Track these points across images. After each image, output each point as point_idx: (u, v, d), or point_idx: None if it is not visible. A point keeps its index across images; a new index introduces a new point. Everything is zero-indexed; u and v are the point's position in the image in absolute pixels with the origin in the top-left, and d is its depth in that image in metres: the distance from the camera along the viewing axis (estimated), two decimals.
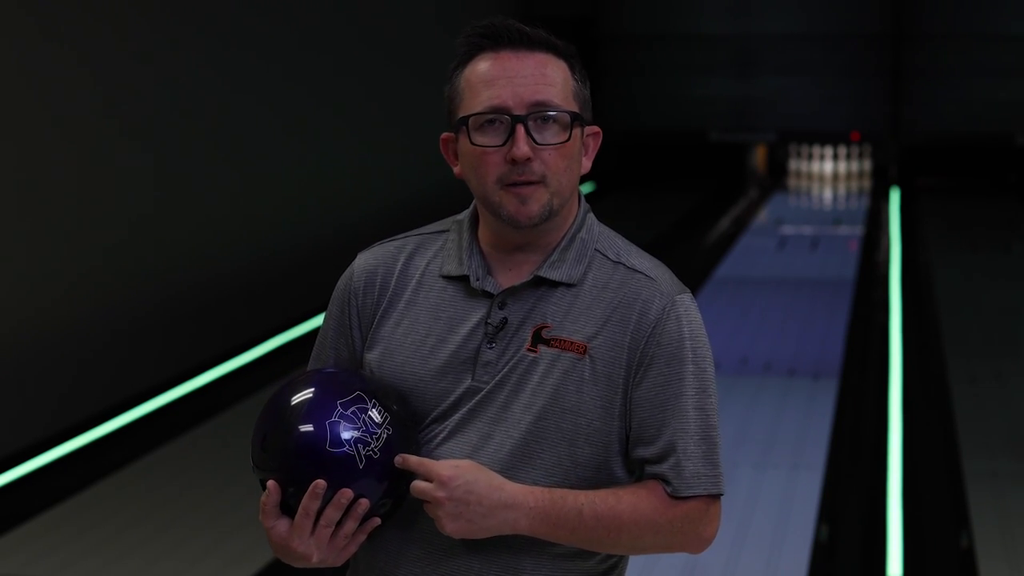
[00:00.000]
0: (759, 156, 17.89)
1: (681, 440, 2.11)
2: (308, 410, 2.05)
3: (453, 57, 2.18)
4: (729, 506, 6.00)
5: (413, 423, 2.14)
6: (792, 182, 17.67)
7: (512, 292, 2.15)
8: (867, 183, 17.31)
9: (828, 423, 7.19)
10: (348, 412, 2.05)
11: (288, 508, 2.07)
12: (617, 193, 16.28)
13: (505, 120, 2.10)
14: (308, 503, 2.03)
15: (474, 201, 2.22)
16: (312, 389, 2.08)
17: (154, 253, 7.99)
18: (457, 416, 2.14)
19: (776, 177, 17.74)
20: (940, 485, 6.40)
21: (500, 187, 2.11)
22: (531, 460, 2.11)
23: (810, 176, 17.74)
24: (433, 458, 2.11)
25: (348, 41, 10.81)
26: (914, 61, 16.60)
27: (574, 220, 2.20)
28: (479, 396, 2.13)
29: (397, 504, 2.11)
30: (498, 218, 2.14)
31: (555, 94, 2.11)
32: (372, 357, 2.20)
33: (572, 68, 2.16)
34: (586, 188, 16.30)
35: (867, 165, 17.59)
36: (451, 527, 2.04)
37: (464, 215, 2.24)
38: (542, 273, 2.15)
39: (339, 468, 2.03)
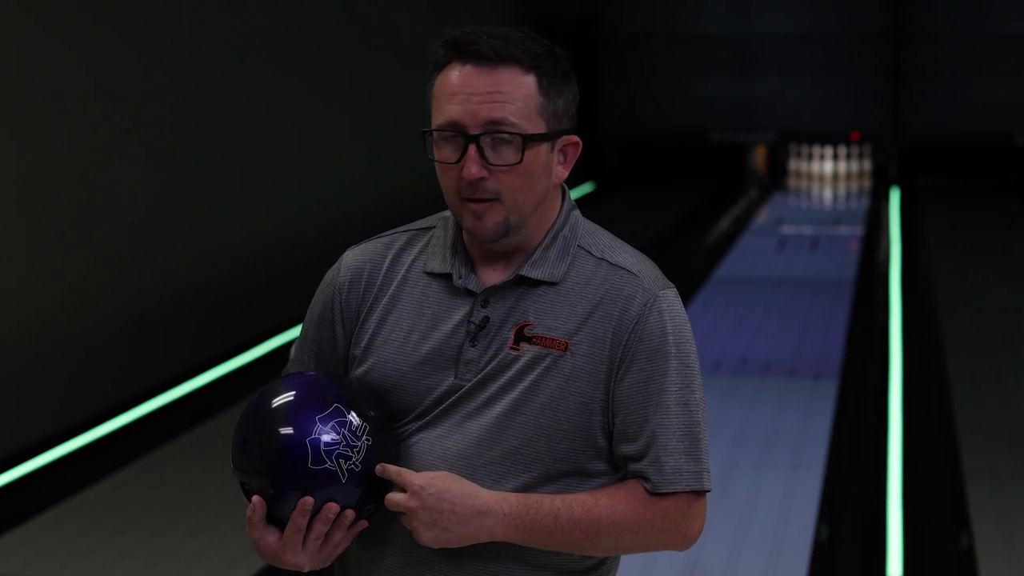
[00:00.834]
0: (759, 156, 17.90)
1: (662, 436, 2.11)
2: (289, 425, 2.07)
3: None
4: (729, 506, 6.01)
5: (391, 425, 2.16)
6: (792, 182, 17.68)
7: (494, 291, 2.16)
8: (867, 183, 17.31)
9: (828, 423, 7.19)
10: (327, 427, 2.07)
11: (272, 517, 2.10)
12: (617, 193, 16.28)
13: (459, 139, 2.10)
14: (297, 520, 2.06)
15: None
16: (291, 402, 2.10)
17: (154, 253, 7.99)
18: (438, 413, 2.15)
19: (776, 177, 17.75)
20: (940, 485, 6.40)
21: (459, 200, 2.13)
22: (511, 456, 2.12)
23: (810, 176, 17.75)
24: (413, 454, 2.14)
25: (349, 40, 10.81)
26: (914, 61, 16.60)
27: (556, 219, 2.20)
28: (460, 393, 2.14)
29: (381, 504, 2.13)
30: (463, 227, 2.16)
31: (512, 112, 2.09)
32: (357, 353, 2.21)
33: (540, 80, 2.12)
34: (586, 188, 16.31)
35: (867, 165, 17.59)
36: (426, 536, 2.06)
37: (450, 212, 2.24)
38: (523, 272, 2.16)
39: (322, 484, 2.06)
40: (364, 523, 2.11)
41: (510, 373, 2.13)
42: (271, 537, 2.10)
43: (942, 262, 11.99)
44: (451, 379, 2.14)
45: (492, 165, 2.09)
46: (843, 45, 16.71)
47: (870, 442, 6.95)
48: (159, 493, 6.29)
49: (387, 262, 2.23)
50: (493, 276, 2.18)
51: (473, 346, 2.14)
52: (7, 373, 6.68)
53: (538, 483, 2.12)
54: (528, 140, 2.10)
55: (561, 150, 2.17)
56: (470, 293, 2.17)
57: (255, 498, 2.09)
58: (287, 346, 8.79)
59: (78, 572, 5.39)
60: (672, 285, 2.19)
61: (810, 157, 17.83)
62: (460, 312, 2.16)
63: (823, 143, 17.63)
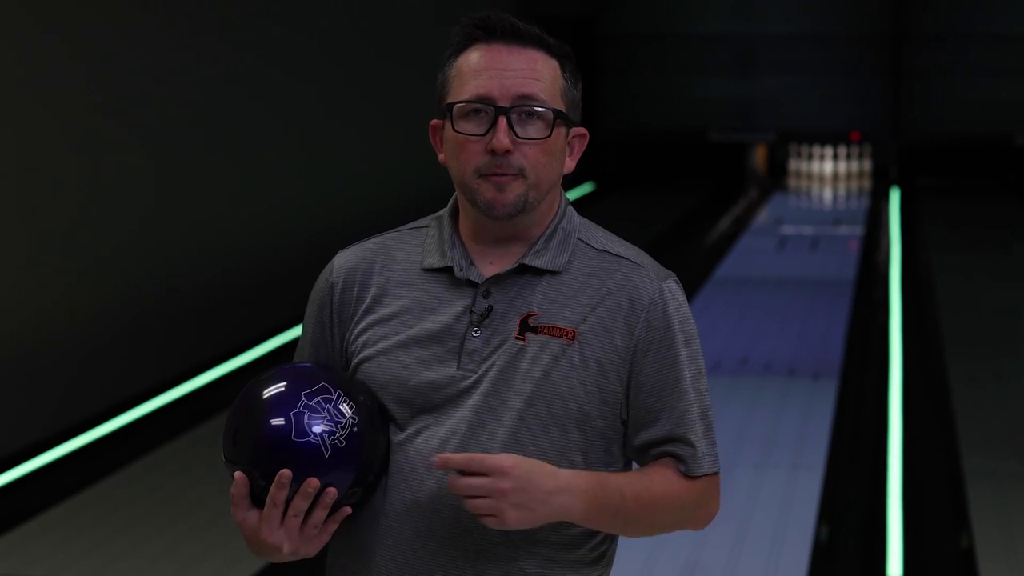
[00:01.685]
0: (759, 156, 17.90)
1: (689, 422, 2.16)
2: (274, 403, 2.08)
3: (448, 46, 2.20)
4: (729, 506, 6.00)
5: (382, 415, 2.15)
6: (792, 182, 17.68)
7: (496, 280, 2.17)
8: (867, 183, 17.31)
9: (828, 423, 7.19)
10: (312, 403, 2.07)
11: (259, 501, 2.09)
12: (617, 193, 16.28)
13: (489, 111, 2.13)
14: (275, 493, 2.05)
15: (454, 195, 2.24)
16: (279, 383, 2.11)
17: (154, 253, 8.00)
18: (445, 405, 2.15)
19: (776, 177, 17.75)
20: (940, 485, 6.40)
21: (478, 176, 2.14)
22: (523, 447, 2.12)
23: (810, 176, 17.75)
24: (418, 448, 2.13)
25: (348, 40, 10.81)
26: (914, 61, 16.60)
27: (556, 212, 2.22)
28: (466, 384, 2.15)
29: (368, 493, 2.12)
30: (475, 206, 2.16)
31: (542, 90, 2.14)
32: (356, 351, 2.21)
33: (563, 67, 2.18)
34: (586, 188, 16.31)
35: (867, 165, 17.60)
36: (514, 516, 2.04)
37: (444, 211, 2.26)
38: (527, 261, 2.18)
39: (305, 458, 2.04)
40: (347, 510, 2.09)
41: (516, 363, 2.14)
42: (252, 517, 2.09)
43: (942, 262, 11.99)
44: (454, 370, 2.15)
45: (521, 138, 2.12)
46: (843, 45, 16.72)
47: (870, 442, 6.95)
48: (159, 493, 6.29)
49: (379, 261, 2.24)
50: (491, 269, 2.19)
51: (476, 335, 2.15)
52: (7, 373, 6.68)
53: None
54: (557, 115, 2.14)
55: (569, 142, 2.21)
56: (471, 284, 2.18)
57: (237, 474, 2.09)
58: (287, 346, 8.79)
59: (78, 572, 5.39)
60: (673, 274, 2.23)
61: (810, 157, 17.83)
62: (462, 303, 2.17)
63: (823, 143, 17.63)
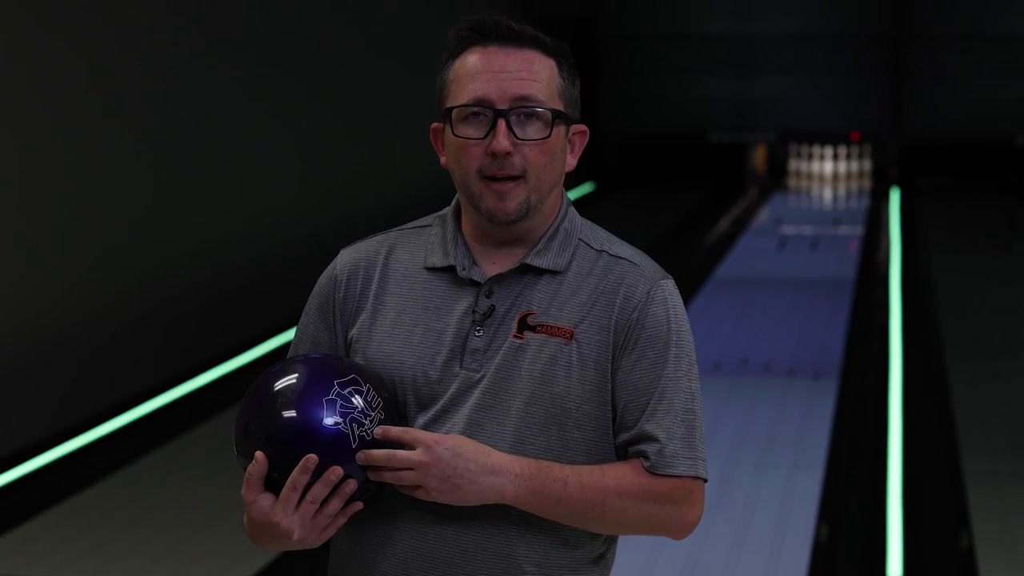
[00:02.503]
0: (759, 156, 17.90)
1: (664, 420, 2.14)
2: (305, 387, 2.07)
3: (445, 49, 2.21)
4: (729, 506, 6.01)
5: (401, 412, 2.16)
6: (792, 182, 17.68)
7: (499, 280, 2.18)
8: (867, 183, 17.31)
9: (828, 423, 7.19)
10: (345, 392, 2.07)
11: (272, 487, 2.07)
12: (617, 193, 16.28)
13: (488, 113, 2.13)
14: (297, 477, 2.04)
15: (457, 195, 2.24)
16: (307, 368, 2.10)
17: (154, 253, 7.99)
18: (446, 404, 2.16)
19: (776, 177, 17.75)
20: (940, 485, 6.40)
21: (480, 179, 2.15)
22: (522, 445, 2.13)
23: (810, 176, 17.75)
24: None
25: (349, 40, 10.81)
26: (914, 61, 16.60)
27: (558, 212, 2.23)
28: (468, 383, 2.15)
29: (380, 490, 2.12)
30: (477, 211, 2.17)
31: (539, 90, 2.14)
32: (358, 349, 2.21)
33: (560, 66, 2.19)
34: (586, 188, 16.31)
35: (867, 165, 17.59)
36: (437, 491, 2.05)
37: (447, 210, 2.27)
38: (528, 261, 2.18)
39: (332, 445, 2.04)
40: (359, 504, 2.09)
41: (516, 362, 2.14)
42: (265, 500, 2.07)
43: (942, 262, 11.99)
44: (457, 369, 2.16)
45: (520, 140, 2.13)
46: (843, 45, 16.72)
47: (870, 442, 6.95)
48: (159, 493, 6.29)
49: (381, 260, 2.24)
50: (494, 269, 2.20)
51: (479, 335, 2.16)
52: (7, 373, 6.68)
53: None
54: (556, 115, 2.15)
55: (569, 140, 2.22)
56: (474, 284, 2.19)
57: (258, 454, 2.06)
58: (287, 346, 8.79)
59: (78, 572, 5.39)
60: (670, 276, 2.23)
61: (810, 157, 17.83)
62: (464, 303, 2.18)
63: (823, 143, 17.63)
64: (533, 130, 2.14)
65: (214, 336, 8.51)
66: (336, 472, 2.04)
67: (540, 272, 2.19)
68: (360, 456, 2.05)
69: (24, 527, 5.82)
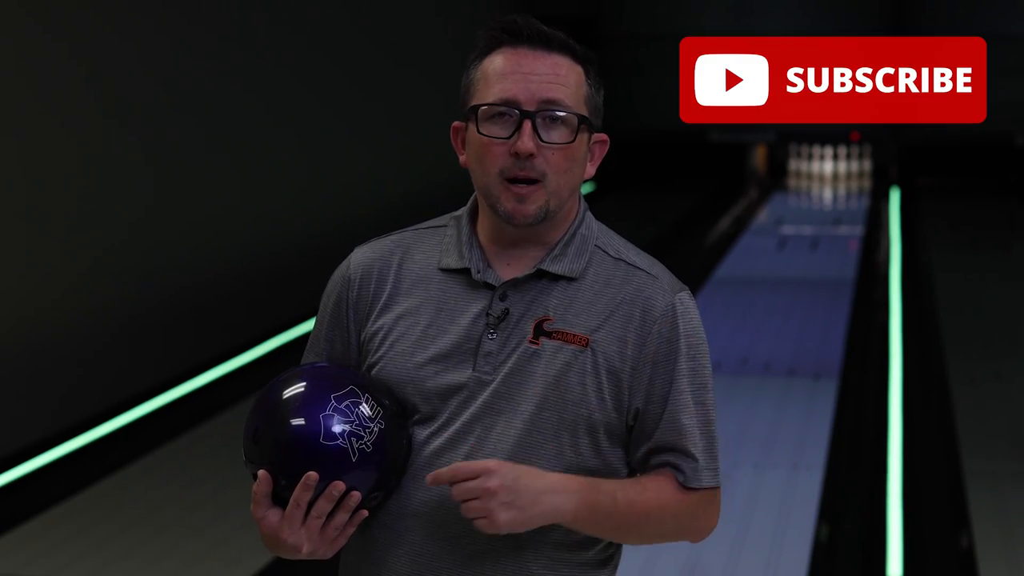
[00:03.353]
0: (759, 156, 17.89)
1: (688, 434, 2.16)
2: (302, 403, 2.08)
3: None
4: (729, 506, 6.00)
5: (404, 417, 2.16)
6: (792, 182, 17.67)
7: (514, 284, 2.18)
8: (867, 183, 17.31)
9: (828, 423, 7.19)
10: (342, 406, 2.07)
11: (280, 500, 2.09)
12: (617, 193, 16.28)
13: (514, 114, 2.13)
14: (300, 494, 2.05)
15: (473, 196, 2.24)
16: (305, 383, 2.11)
17: (154, 253, 7.99)
18: (459, 406, 2.16)
19: (776, 177, 17.74)
20: (940, 485, 6.40)
21: (500, 180, 2.14)
22: (534, 450, 2.13)
23: (810, 176, 17.75)
24: (434, 451, 2.14)
25: (349, 39, 10.80)
26: None
27: (575, 218, 2.23)
28: (480, 386, 2.15)
29: (387, 496, 2.13)
30: (495, 212, 2.17)
31: (566, 95, 2.15)
32: (372, 349, 2.21)
33: (587, 73, 2.20)
34: (586, 188, 16.29)
35: (867, 165, 17.59)
36: (504, 517, 2.04)
37: (462, 211, 2.26)
38: (544, 266, 2.18)
39: (332, 461, 2.05)
40: (365, 512, 2.10)
41: (530, 367, 2.14)
42: (273, 516, 2.09)
43: (942, 262, 11.98)
44: (470, 371, 2.15)
45: (545, 143, 2.13)
46: None
47: (870, 442, 6.95)
48: (159, 493, 6.29)
49: (397, 260, 2.24)
50: (508, 272, 2.20)
51: (492, 338, 2.15)
52: (7, 373, 6.68)
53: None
54: (582, 121, 2.16)
55: (590, 148, 2.22)
56: (488, 287, 2.18)
57: (261, 472, 2.08)
58: (287, 346, 8.80)
59: (78, 572, 5.39)
60: (686, 287, 2.24)
61: (810, 157, 17.82)
62: (478, 306, 2.18)
63: (823, 143, 17.62)
64: (558, 134, 2.14)
65: (214, 336, 8.51)
66: (338, 487, 2.05)
67: (555, 278, 2.19)
68: (429, 479, 2.06)
69: (24, 527, 5.82)
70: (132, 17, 7.82)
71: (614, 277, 2.19)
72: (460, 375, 2.15)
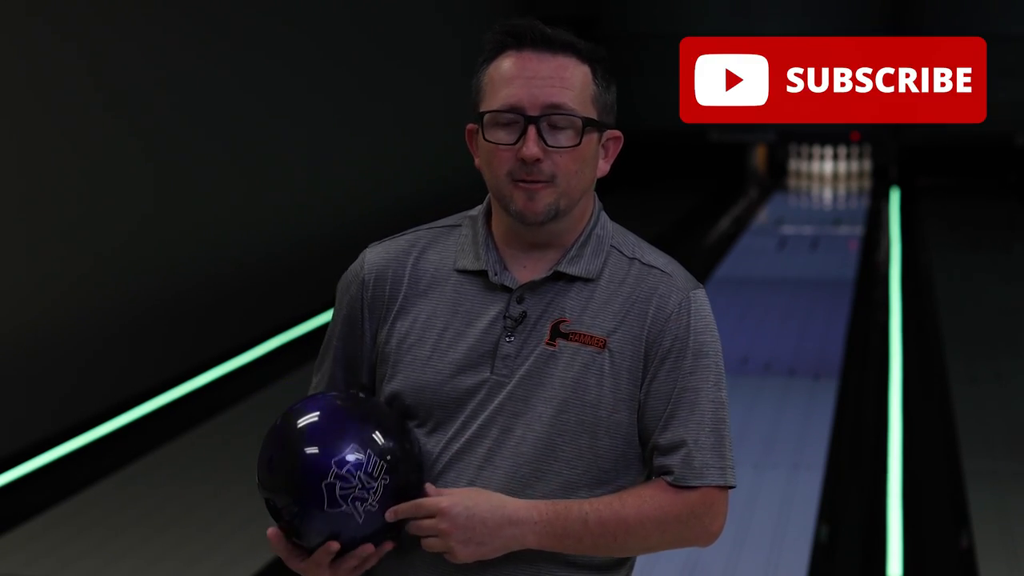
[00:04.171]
0: (759, 156, 17.89)
1: (693, 431, 2.15)
2: (307, 472, 2.09)
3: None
4: (729, 506, 6.00)
5: (412, 453, 2.15)
6: (792, 182, 17.67)
7: (531, 287, 2.18)
8: (867, 183, 17.31)
9: (828, 423, 7.19)
10: (343, 471, 2.08)
11: (295, 532, 2.12)
12: (617, 193, 16.27)
13: (519, 120, 2.13)
14: (320, 557, 2.09)
15: (487, 196, 2.24)
16: (312, 431, 2.11)
17: (155, 253, 7.99)
18: (477, 409, 2.16)
19: (776, 177, 17.74)
20: (940, 485, 6.40)
21: (510, 181, 2.15)
22: (553, 452, 2.13)
23: (810, 176, 17.75)
24: (455, 456, 2.15)
25: (350, 40, 10.80)
26: None
27: (590, 218, 2.23)
28: (498, 389, 2.15)
29: (399, 533, 2.15)
30: (507, 212, 2.17)
31: (571, 98, 2.14)
32: (389, 353, 2.20)
33: (594, 72, 2.18)
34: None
35: (867, 165, 17.59)
36: (463, 553, 2.08)
37: (477, 211, 2.26)
38: (561, 268, 2.18)
39: (342, 523, 2.08)
40: (390, 544, 2.12)
41: (548, 369, 2.14)
42: (296, 562, 2.13)
43: (942, 262, 11.99)
44: (487, 374, 2.15)
45: (550, 147, 2.13)
46: None
47: (870, 442, 6.95)
48: (159, 493, 6.29)
49: (411, 260, 2.23)
50: (525, 274, 2.19)
51: (510, 341, 2.15)
52: (7, 373, 6.68)
53: (582, 480, 2.15)
54: (587, 123, 2.15)
55: (603, 144, 2.22)
56: (506, 289, 2.18)
57: (270, 532, 2.12)
58: (288, 346, 8.80)
59: (78, 572, 5.39)
60: (701, 286, 2.24)
61: (810, 157, 17.82)
62: (495, 308, 2.17)
63: (823, 143, 17.62)
64: (564, 137, 2.14)
65: (214, 336, 8.51)
66: (334, 547, 2.08)
67: (572, 279, 2.18)
68: (389, 515, 2.08)
69: (24, 527, 5.82)
70: (134, 16, 7.82)
71: (628, 276, 2.19)
72: (478, 378, 2.15)
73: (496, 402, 2.15)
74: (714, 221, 14.63)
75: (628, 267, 2.20)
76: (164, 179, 8.14)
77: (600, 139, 2.20)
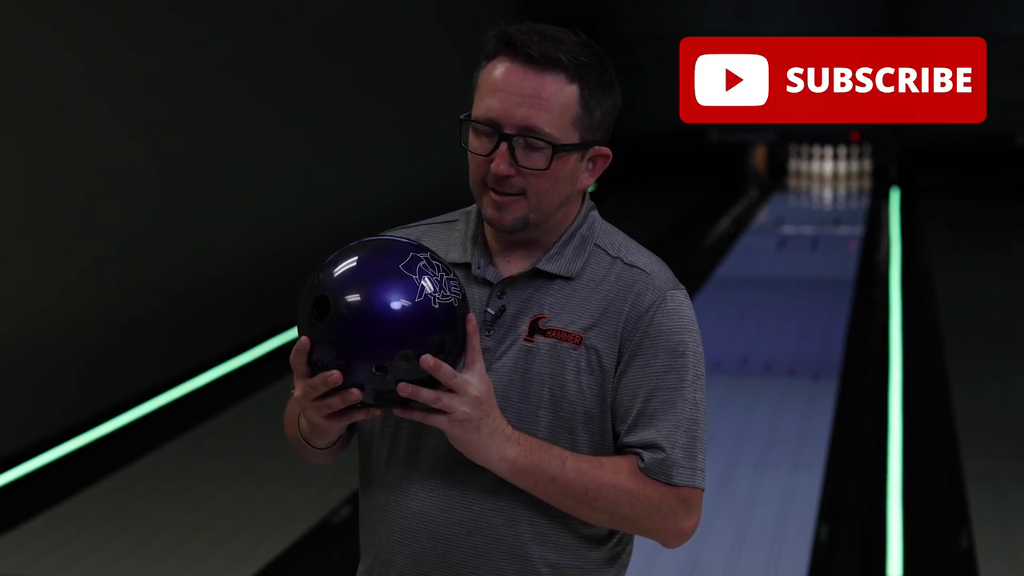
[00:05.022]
0: (759, 156, 17.90)
1: (664, 429, 2.15)
2: (391, 245, 2.08)
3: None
4: (729, 506, 6.01)
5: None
6: (792, 182, 17.68)
7: (511, 282, 2.20)
8: (867, 183, 17.31)
9: (828, 423, 7.20)
10: (430, 266, 2.06)
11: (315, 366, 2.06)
12: (617, 193, 16.28)
13: (495, 134, 2.14)
14: (317, 384, 2.04)
15: None
16: (390, 259, 2.08)
17: (155, 253, 8.00)
18: None
19: (776, 177, 17.75)
20: (940, 485, 6.40)
21: (483, 187, 2.17)
22: None
23: (810, 176, 17.75)
24: (432, 444, 2.15)
25: (347, 41, 10.81)
26: None
27: (575, 218, 2.24)
28: None
29: (385, 400, 2.08)
30: (483, 215, 2.20)
31: (547, 121, 2.14)
32: None
33: (582, 92, 2.16)
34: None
35: (867, 165, 17.59)
36: (456, 432, 2.06)
37: (473, 206, 2.28)
38: (540, 265, 2.20)
39: (410, 298, 2.03)
40: (358, 394, 2.04)
41: (525, 365, 2.16)
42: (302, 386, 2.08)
43: (942, 262, 11.99)
44: None
45: (521, 166, 2.14)
46: None
47: (870, 442, 6.95)
48: (159, 493, 6.29)
49: None
50: (510, 268, 2.21)
51: (489, 335, 2.17)
52: (8, 373, 6.68)
53: None
54: (558, 150, 2.14)
55: (591, 159, 2.22)
56: (487, 283, 2.20)
57: (303, 340, 2.06)
58: (288, 346, 8.79)
59: (78, 572, 5.39)
60: (683, 287, 2.24)
61: (810, 157, 17.83)
62: (477, 301, 2.19)
63: (823, 143, 17.63)
64: (537, 159, 2.14)
65: (214, 336, 8.52)
66: (335, 377, 2.02)
67: (552, 276, 2.20)
68: (407, 390, 2.03)
69: (24, 527, 5.82)
70: (133, 18, 7.82)
71: (609, 275, 2.20)
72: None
73: None
74: (714, 221, 14.63)
75: (610, 266, 2.21)
76: (164, 180, 8.14)
77: (584, 156, 2.20)
